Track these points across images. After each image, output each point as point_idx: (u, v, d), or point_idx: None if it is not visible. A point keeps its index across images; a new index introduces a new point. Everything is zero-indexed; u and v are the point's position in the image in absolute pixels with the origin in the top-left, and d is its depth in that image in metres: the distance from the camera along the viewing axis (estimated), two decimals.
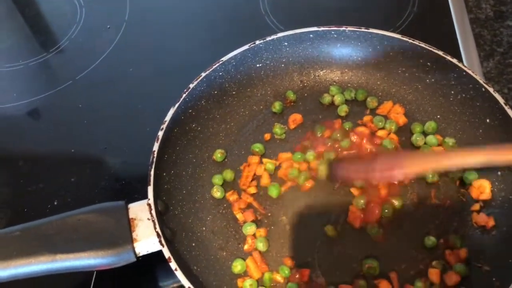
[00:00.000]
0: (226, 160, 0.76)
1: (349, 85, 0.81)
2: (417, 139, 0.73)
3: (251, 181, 0.72)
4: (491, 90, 0.68)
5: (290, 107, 0.80)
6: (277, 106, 0.79)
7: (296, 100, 0.81)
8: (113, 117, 0.85)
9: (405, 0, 0.95)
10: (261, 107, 0.81)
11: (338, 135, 0.73)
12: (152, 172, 0.65)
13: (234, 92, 0.79)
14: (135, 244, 0.61)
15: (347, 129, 0.75)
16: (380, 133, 0.74)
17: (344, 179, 0.70)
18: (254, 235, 0.68)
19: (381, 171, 0.65)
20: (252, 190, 0.71)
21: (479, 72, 0.84)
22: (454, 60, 0.72)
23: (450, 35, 0.89)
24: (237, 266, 0.65)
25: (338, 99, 0.79)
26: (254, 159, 0.74)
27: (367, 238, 0.66)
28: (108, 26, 0.98)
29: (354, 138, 0.73)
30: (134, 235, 0.61)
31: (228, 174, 0.73)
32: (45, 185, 0.78)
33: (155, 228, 0.61)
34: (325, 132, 0.75)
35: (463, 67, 0.71)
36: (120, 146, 0.81)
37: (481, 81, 0.70)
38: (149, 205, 0.63)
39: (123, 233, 0.61)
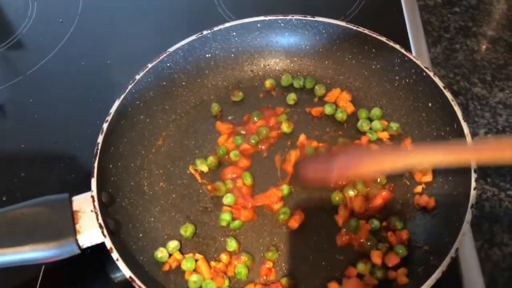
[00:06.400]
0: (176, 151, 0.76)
1: (298, 73, 0.81)
2: (363, 124, 0.74)
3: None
4: (431, 74, 0.70)
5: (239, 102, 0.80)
6: (215, 108, 0.79)
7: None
8: (64, 111, 0.84)
9: None
10: (212, 97, 0.81)
11: (264, 131, 0.75)
12: (95, 164, 0.65)
13: (183, 83, 0.79)
14: (78, 236, 0.61)
15: (255, 119, 0.76)
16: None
17: (306, 179, 0.66)
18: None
19: (339, 170, 0.62)
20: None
21: (426, 58, 0.85)
22: (397, 46, 0.73)
23: (399, 22, 0.90)
24: (187, 263, 0.65)
25: (285, 79, 0.80)
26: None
27: None
28: (61, 20, 0.97)
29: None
30: (77, 227, 0.61)
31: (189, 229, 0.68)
32: None
33: (97, 219, 0.61)
34: (260, 120, 0.76)
35: (405, 52, 0.73)
36: (70, 140, 0.80)
37: (422, 66, 0.71)
38: (92, 197, 0.63)
39: (66, 225, 0.61)
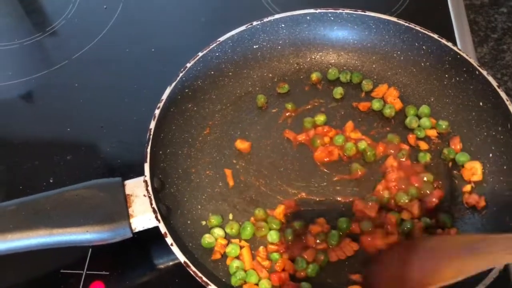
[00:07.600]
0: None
1: (344, 67, 0.81)
2: (412, 121, 0.74)
3: None
4: (484, 73, 0.69)
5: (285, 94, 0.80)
6: (261, 99, 0.79)
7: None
8: (110, 97, 0.85)
9: None
10: (257, 88, 0.81)
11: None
12: (148, 150, 0.66)
13: (230, 73, 0.80)
14: (131, 220, 0.62)
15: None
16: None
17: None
18: None
19: (420, 276, 0.51)
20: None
21: (473, 57, 0.84)
22: (449, 44, 0.73)
23: (445, 20, 0.89)
24: (231, 249, 0.65)
25: (332, 73, 0.79)
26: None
27: None
28: (105, 6, 0.98)
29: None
30: (130, 211, 0.62)
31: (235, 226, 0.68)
32: (41, 163, 0.78)
33: (151, 204, 0.62)
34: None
35: (457, 50, 0.72)
36: (116, 125, 0.81)
37: (475, 64, 0.71)
38: (145, 181, 0.63)
39: (120, 209, 0.62)
